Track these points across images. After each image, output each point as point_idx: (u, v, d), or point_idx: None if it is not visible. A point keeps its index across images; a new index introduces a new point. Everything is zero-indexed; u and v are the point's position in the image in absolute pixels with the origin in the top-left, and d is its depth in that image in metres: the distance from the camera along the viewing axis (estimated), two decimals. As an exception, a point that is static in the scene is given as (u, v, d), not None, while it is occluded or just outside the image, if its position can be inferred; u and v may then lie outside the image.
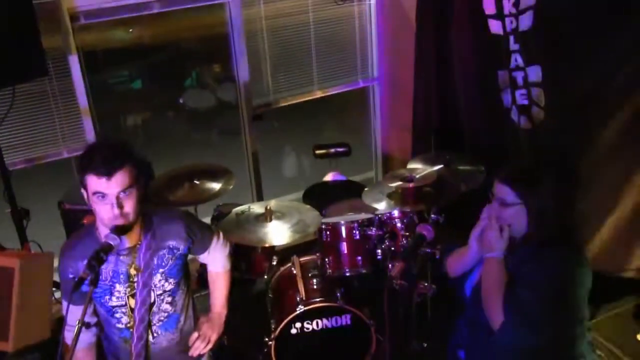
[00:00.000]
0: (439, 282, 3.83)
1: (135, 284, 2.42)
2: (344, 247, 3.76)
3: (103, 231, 2.33)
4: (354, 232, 3.75)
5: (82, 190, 2.28)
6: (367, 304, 3.83)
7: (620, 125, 3.56)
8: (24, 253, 3.65)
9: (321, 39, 5.40)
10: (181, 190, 3.90)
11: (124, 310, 2.45)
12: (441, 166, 4.01)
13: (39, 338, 3.08)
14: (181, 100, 6.12)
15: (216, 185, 3.91)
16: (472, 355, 2.45)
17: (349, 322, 3.75)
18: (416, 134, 5.36)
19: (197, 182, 3.91)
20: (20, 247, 3.87)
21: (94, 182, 2.19)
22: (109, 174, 2.17)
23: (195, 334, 2.67)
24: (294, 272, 3.93)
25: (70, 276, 2.37)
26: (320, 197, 4.52)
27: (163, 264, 2.47)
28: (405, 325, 3.97)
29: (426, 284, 3.80)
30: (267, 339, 3.72)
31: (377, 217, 3.78)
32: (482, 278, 2.35)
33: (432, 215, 3.65)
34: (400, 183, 3.71)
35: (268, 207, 3.72)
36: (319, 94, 5.50)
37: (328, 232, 3.77)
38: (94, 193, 2.21)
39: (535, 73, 3.97)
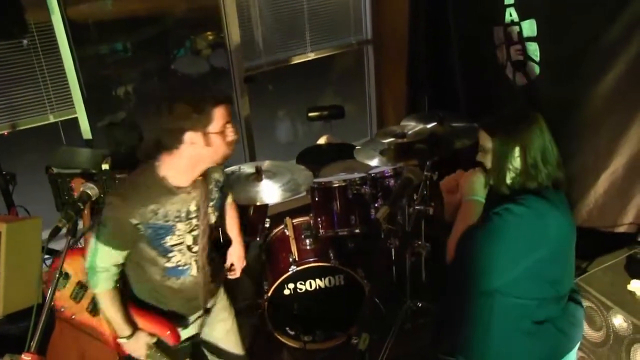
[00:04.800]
0: (433, 240, 3.80)
1: (195, 220, 2.46)
2: (336, 206, 3.72)
3: (171, 176, 2.36)
4: (347, 191, 3.70)
5: (191, 135, 2.25)
6: (361, 264, 3.79)
7: (613, 80, 3.48)
8: (11, 217, 3.62)
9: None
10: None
11: (180, 248, 2.48)
12: (434, 123, 3.94)
13: (29, 303, 3.06)
14: (172, 67, 6.06)
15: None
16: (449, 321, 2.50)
17: (342, 283, 3.72)
18: (410, 94, 5.29)
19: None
20: (7, 212, 3.82)
21: (226, 112, 2.31)
22: (232, 100, 2.35)
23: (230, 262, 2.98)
24: (287, 233, 3.90)
25: (134, 222, 2.33)
26: (313, 159, 4.46)
27: (212, 197, 2.54)
28: (400, 285, 3.96)
29: (420, 243, 3.77)
30: (259, 300, 3.69)
31: (369, 176, 3.72)
32: (457, 217, 2.37)
33: (425, 172, 3.60)
34: (392, 139, 3.65)
35: (259, 166, 3.66)
36: (311, 56, 5.40)
37: (320, 192, 3.72)
38: (227, 122, 2.31)
39: (530, 27, 3.89)
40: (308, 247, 3.80)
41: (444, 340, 2.66)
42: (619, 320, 2.97)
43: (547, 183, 2.23)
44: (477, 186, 2.35)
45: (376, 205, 3.72)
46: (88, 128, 4.53)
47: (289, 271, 3.61)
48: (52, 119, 4.46)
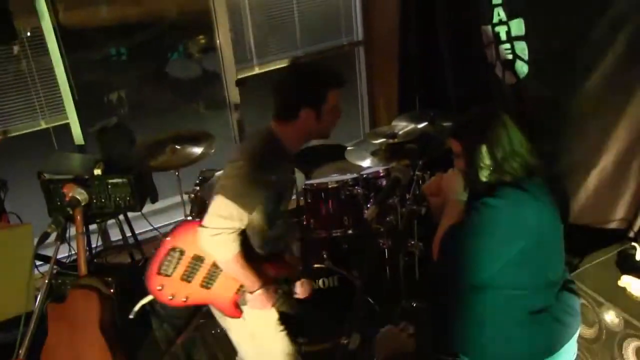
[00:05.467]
0: (426, 241, 3.81)
1: (290, 192, 2.72)
2: (329, 207, 3.73)
3: (290, 145, 2.58)
4: (339, 192, 3.70)
5: (308, 110, 2.49)
6: (356, 265, 3.79)
7: (601, 77, 3.50)
8: (2, 224, 3.61)
9: (304, 2, 5.31)
10: (163, 155, 3.84)
11: (283, 215, 2.68)
12: (425, 123, 3.95)
13: (19, 311, 3.05)
14: (166, 70, 6.07)
15: (197, 150, 3.85)
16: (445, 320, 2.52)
17: (336, 284, 3.72)
18: (402, 95, 5.30)
19: (178, 147, 3.85)
20: (-2, 219, 3.82)
21: (337, 95, 2.53)
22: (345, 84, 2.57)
23: None
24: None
25: (273, 178, 2.49)
26: (306, 160, 4.46)
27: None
28: (394, 285, 3.96)
29: (413, 242, 3.78)
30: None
31: (362, 177, 3.73)
32: (442, 217, 2.43)
33: (417, 172, 3.61)
34: (383, 140, 3.66)
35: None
36: (303, 58, 5.40)
37: (312, 193, 3.73)
38: (337, 103, 2.53)
39: (518, 26, 3.91)
40: (302, 249, 3.79)
41: (441, 340, 2.68)
42: (610, 317, 2.99)
43: (522, 173, 2.29)
44: (457, 186, 2.42)
45: (369, 205, 3.73)
46: (80, 133, 4.52)
47: (282, 273, 3.61)
48: (43, 125, 4.44)
